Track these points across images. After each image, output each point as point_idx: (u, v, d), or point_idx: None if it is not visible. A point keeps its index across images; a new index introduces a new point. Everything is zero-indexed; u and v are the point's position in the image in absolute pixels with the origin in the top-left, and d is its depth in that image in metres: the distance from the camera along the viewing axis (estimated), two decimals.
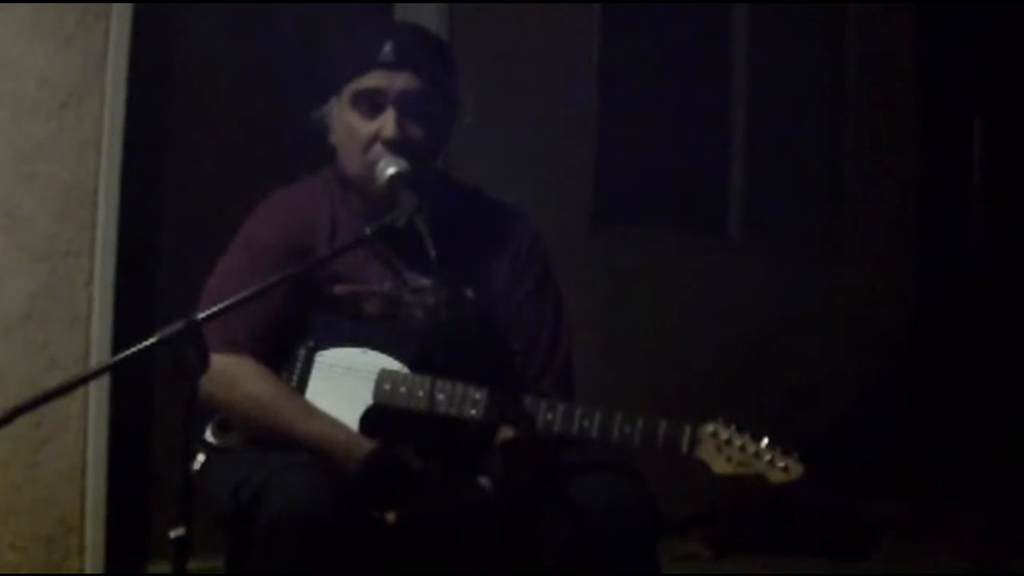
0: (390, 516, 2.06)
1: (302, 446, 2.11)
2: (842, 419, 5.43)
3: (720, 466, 2.06)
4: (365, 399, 2.16)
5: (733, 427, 2.07)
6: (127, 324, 3.19)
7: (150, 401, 3.42)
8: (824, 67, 5.83)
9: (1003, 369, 5.81)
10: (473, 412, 2.11)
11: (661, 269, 4.76)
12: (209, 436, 2.22)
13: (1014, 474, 5.09)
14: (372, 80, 2.20)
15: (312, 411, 2.16)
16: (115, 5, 3.18)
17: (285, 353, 2.23)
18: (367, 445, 2.10)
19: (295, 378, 2.21)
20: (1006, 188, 6.30)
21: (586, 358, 2.45)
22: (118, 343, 3.15)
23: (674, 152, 5.03)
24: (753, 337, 5.12)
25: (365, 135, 2.20)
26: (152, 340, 1.76)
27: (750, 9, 5.36)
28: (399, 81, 2.19)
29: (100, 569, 3.20)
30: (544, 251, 2.37)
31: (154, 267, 3.46)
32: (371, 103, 2.20)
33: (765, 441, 2.06)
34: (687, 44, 5.08)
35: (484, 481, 2.13)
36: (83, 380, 2.04)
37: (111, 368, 2.37)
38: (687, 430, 2.08)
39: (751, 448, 2.06)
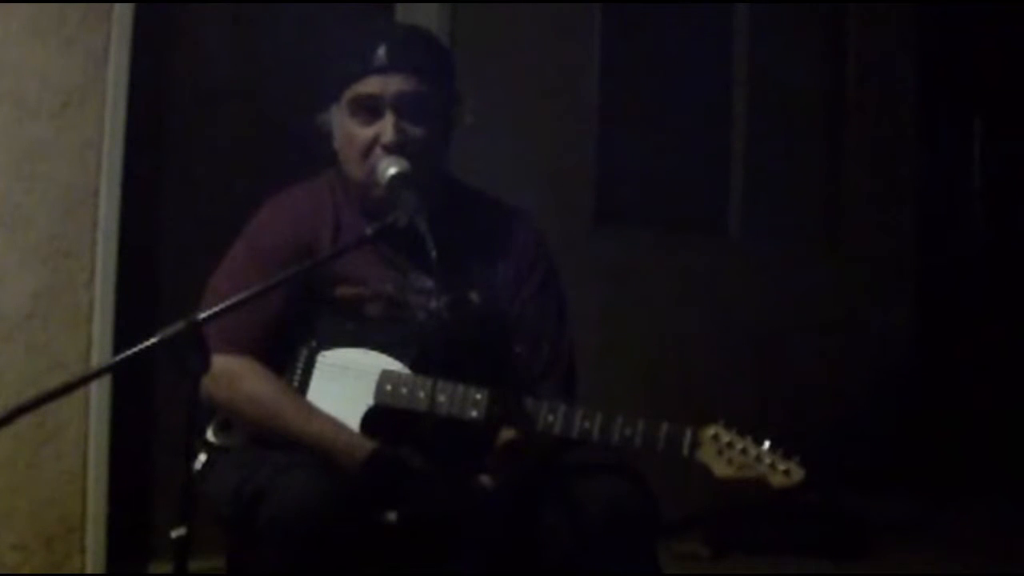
0: (391, 516, 2.07)
1: (303, 446, 2.11)
2: (842, 419, 5.43)
3: (721, 469, 2.06)
4: (366, 400, 2.16)
5: (734, 430, 2.07)
6: (128, 324, 3.19)
7: (151, 401, 3.42)
8: (824, 67, 5.83)
9: (1004, 368, 5.82)
10: (474, 413, 2.12)
11: (661, 269, 4.76)
12: (210, 436, 2.23)
13: (1015, 474, 5.09)
14: (367, 86, 2.20)
15: (313, 411, 2.16)
16: (116, 5, 3.17)
17: (287, 353, 2.23)
18: (368, 446, 2.11)
19: (297, 378, 2.21)
20: (1006, 188, 6.30)
21: (586, 358, 2.46)
22: (119, 343, 3.14)
23: (674, 152, 5.03)
24: (753, 337, 5.12)
25: (364, 140, 2.21)
26: (153, 340, 1.76)
27: (750, 9, 5.35)
28: (394, 84, 2.19)
29: (101, 569, 3.20)
30: (548, 252, 2.37)
31: (155, 267, 3.46)
32: (368, 108, 2.20)
33: (767, 445, 2.07)
34: (687, 44, 5.08)
35: (485, 482, 2.14)
36: (84, 380, 2.04)
37: (112, 368, 2.37)
38: (688, 433, 2.08)
39: (752, 452, 2.06)
